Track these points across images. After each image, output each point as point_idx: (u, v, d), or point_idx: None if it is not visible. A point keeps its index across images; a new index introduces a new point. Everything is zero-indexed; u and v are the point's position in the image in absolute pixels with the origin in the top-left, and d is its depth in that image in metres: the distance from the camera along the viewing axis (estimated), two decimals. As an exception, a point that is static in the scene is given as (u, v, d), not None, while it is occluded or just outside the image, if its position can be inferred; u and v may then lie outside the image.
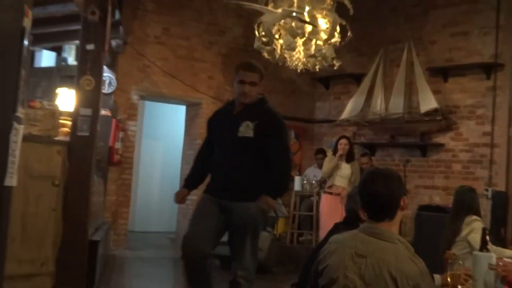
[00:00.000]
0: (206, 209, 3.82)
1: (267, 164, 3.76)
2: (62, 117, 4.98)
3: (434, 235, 4.86)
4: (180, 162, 9.25)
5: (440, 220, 5.79)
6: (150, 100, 9.36)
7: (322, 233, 7.02)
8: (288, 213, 8.36)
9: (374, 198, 2.23)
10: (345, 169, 7.09)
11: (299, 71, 7.60)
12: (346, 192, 6.65)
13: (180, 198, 4.04)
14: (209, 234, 3.74)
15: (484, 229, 2.97)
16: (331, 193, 7.12)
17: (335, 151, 7.20)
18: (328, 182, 7.23)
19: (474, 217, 4.26)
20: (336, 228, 3.21)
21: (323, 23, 7.15)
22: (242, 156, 3.74)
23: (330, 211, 6.90)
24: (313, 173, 8.54)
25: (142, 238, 9.26)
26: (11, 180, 2.44)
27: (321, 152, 8.76)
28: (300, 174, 9.04)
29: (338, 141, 7.21)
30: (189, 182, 4.10)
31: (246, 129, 3.72)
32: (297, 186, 8.45)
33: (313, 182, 8.27)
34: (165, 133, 10.31)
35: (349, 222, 3.16)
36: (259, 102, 3.89)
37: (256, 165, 3.75)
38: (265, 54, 7.48)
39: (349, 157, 7.15)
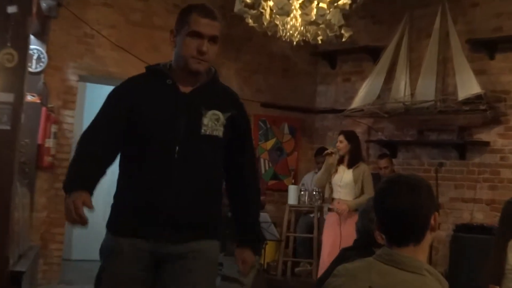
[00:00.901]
0: (127, 276, 2.95)
1: (234, 183, 3.20)
2: (-27, 105, 4.96)
3: (476, 263, 4.92)
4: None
5: (484, 244, 5.85)
6: (94, 82, 9.31)
7: (321, 263, 7.02)
8: (279, 235, 8.36)
9: (396, 216, 2.24)
10: (346, 176, 7.00)
11: (295, 43, 7.60)
12: (346, 207, 6.68)
13: (81, 213, 2.80)
14: None
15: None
16: (332, 210, 7.04)
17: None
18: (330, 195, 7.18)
19: (518, 239, 4.28)
20: (344, 255, 3.24)
21: (328, -21, 7.18)
22: (205, 165, 3.00)
23: (328, 233, 6.94)
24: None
25: (81, 268, 9.22)
26: None
27: (324, 153, 8.79)
28: (295, 183, 9.03)
29: None
30: (89, 178, 3.11)
31: (215, 124, 2.99)
32: (292, 198, 8.41)
33: (314, 193, 8.20)
34: (114, 127, 10.28)
35: (361, 247, 3.19)
36: (215, 76, 3.13)
37: (219, 179, 3.14)
38: (250, 21, 7.46)
39: (351, 160, 7.06)
